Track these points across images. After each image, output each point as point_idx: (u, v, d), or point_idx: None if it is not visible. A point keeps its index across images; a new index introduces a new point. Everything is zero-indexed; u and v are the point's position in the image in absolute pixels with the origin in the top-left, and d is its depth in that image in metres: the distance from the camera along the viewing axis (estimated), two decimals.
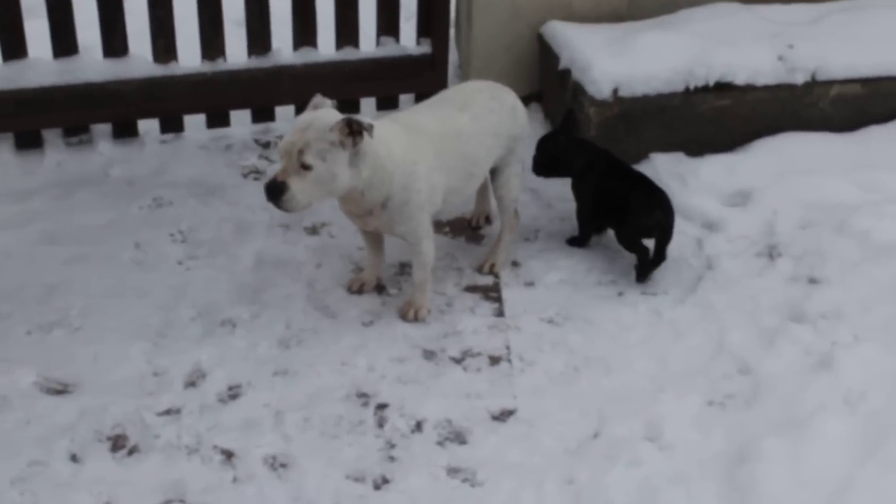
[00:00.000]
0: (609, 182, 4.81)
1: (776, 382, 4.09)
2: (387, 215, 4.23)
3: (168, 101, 5.61)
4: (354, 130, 3.93)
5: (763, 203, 5.05)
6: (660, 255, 4.72)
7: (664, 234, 4.71)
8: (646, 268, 4.70)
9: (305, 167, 3.91)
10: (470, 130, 4.46)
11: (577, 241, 4.96)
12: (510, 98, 4.72)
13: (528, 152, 4.90)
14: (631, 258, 4.79)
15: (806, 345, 4.27)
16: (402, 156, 4.17)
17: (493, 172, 4.72)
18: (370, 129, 3.95)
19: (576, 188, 4.93)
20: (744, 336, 4.36)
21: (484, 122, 4.52)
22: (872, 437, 3.78)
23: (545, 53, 5.81)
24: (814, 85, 5.52)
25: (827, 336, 4.31)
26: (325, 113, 4.04)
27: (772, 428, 3.85)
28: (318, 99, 4.16)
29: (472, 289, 4.71)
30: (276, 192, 3.94)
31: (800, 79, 5.49)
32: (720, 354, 4.28)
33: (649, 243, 4.73)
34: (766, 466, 3.67)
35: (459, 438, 3.90)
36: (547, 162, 4.91)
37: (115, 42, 5.48)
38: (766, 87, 5.46)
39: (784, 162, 5.28)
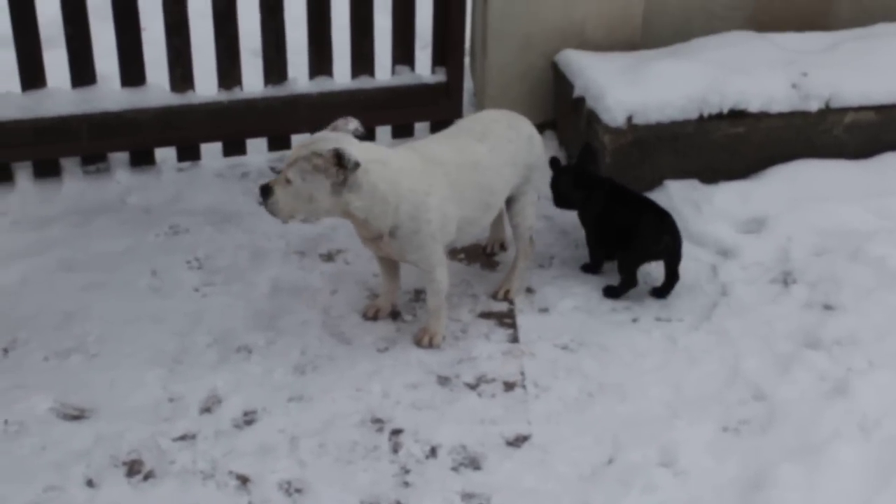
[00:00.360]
0: (614, 210, 4.85)
1: (791, 409, 4.08)
2: (396, 243, 4.26)
3: (185, 130, 5.66)
4: (343, 164, 3.99)
5: (777, 230, 5.06)
6: (673, 276, 4.78)
7: (673, 257, 4.77)
8: (622, 290, 4.81)
9: (287, 180, 4.04)
10: (487, 161, 4.47)
11: (591, 268, 4.99)
12: (527, 127, 4.74)
13: (543, 180, 4.92)
14: (644, 286, 4.81)
15: (821, 371, 4.27)
16: (410, 186, 4.19)
17: (509, 201, 4.73)
18: (354, 168, 4.00)
19: (581, 218, 5.00)
20: (758, 362, 4.36)
21: (502, 152, 4.54)
22: (888, 464, 3.78)
23: (559, 81, 5.84)
24: (828, 112, 5.53)
25: (842, 362, 4.31)
26: (332, 137, 4.11)
27: (787, 454, 3.85)
28: (342, 121, 4.25)
29: (486, 315, 4.72)
30: (264, 193, 4.13)
31: (814, 106, 5.50)
32: (735, 381, 4.28)
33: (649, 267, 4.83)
34: (782, 493, 3.67)
35: (474, 464, 3.90)
36: (553, 196, 5.01)
37: (132, 71, 5.54)
38: (781, 115, 5.47)
39: (798, 189, 5.29)
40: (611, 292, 4.83)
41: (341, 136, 4.14)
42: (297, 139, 5.87)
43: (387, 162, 4.16)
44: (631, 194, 4.94)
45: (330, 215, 4.18)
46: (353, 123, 4.24)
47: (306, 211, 4.11)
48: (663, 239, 4.73)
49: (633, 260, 4.79)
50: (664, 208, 4.87)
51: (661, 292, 4.80)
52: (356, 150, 4.06)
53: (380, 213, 4.16)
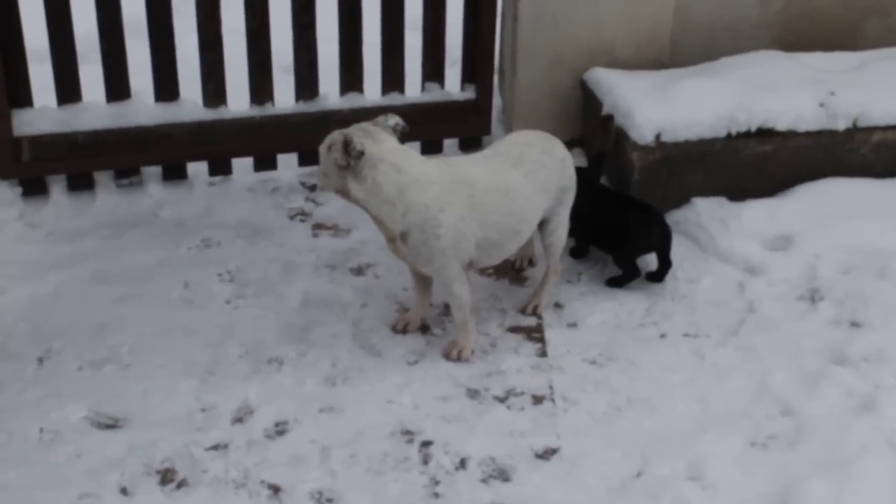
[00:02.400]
0: (602, 211, 5.04)
1: (819, 424, 4.10)
2: (407, 250, 4.33)
3: (217, 145, 5.73)
4: (349, 150, 4.18)
5: (805, 247, 5.08)
6: (666, 263, 4.98)
7: (664, 246, 4.97)
8: (625, 280, 5.01)
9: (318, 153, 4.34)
10: (520, 188, 4.49)
11: (578, 253, 5.18)
12: (560, 150, 4.75)
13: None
14: (673, 303, 4.86)
15: (848, 387, 4.29)
16: (423, 200, 4.25)
17: (542, 222, 4.74)
18: (358, 156, 4.19)
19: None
20: (786, 378, 4.38)
21: (535, 178, 4.55)
22: None
23: (588, 99, 5.88)
24: (855, 131, 5.55)
25: (870, 379, 4.32)
26: (365, 127, 4.36)
27: (815, 469, 3.86)
28: (382, 117, 4.44)
29: (515, 329, 4.76)
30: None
31: (841, 125, 5.52)
32: (762, 396, 4.30)
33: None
34: None
35: (503, 476, 3.93)
36: None
37: (166, 86, 5.61)
38: (808, 134, 5.50)
39: (825, 207, 5.30)
40: (615, 282, 5.00)
41: (377, 129, 4.31)
42: None
43: (402, 170, 4.22)
44: (615, 194, 5.17)
45: (343, 195, 4.33)
46: (394, 119, 4.41)
47: (331, 186, 4.34)
48: (654, 231, 4.95)
49: (628, 255, 4.97)
50: (648, 202, 5.06)
51: (656, 277, 4.98)
52: (377, 144, 4.25)
53: (386, 214, 4.25)
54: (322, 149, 4.31)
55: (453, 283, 4.42)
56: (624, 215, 5.00)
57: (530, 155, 4.61)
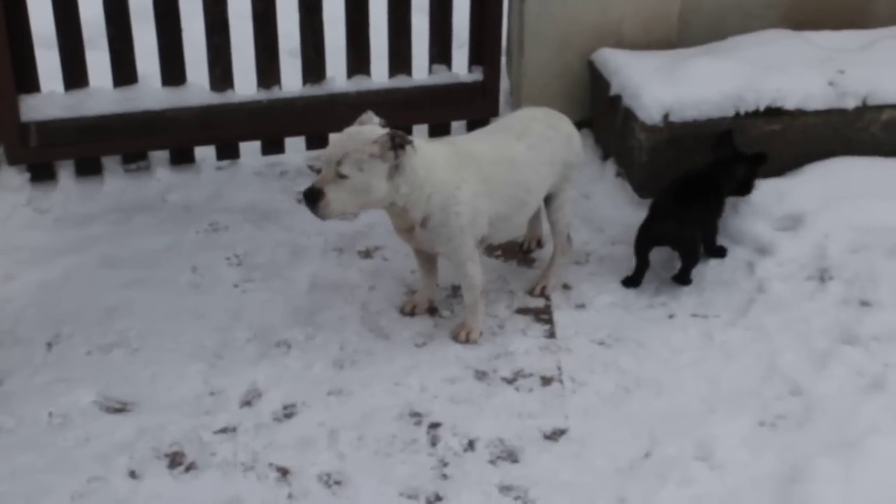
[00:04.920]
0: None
1: (828, 403, 4.09)
2: (426, 234, 4.31)
3: (224, 129, 5.72)
4: (396, 144, 4.03)
5: (814, 227, 5.05)
6: (683, 262, 4.88)
7: (671, 244, 4.88)
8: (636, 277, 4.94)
9: (342, 176, 4.02)
10: (525, 159, 4.50)
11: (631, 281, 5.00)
12: (566, 126, 4.77)
13: (582, 178, 4.96)
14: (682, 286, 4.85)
15: (858, 366, 4.27)
16: (443, 178, 4.23)
17: (548, 198, 4.76)
18: (410, 145, 4.06)
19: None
20: (795, 358, 4.36)
21: (540, 151, 4.57)
22: None
23: (596, 80, 5.86)
24: (865, 110, 5.53)
25: (879, 358, 4.31)
26: (369, 127, 4.15)
27: (824, 448, 3.85)
28: (366, 115, 4.27)
29: (523, 311, 4.75)
30: (312, 198, 4.06)
31: (851, 104, 5.49)
32: (771, 376, 4.29)
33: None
34: (819, 487, 3.67)
35: (511, 457, 3.93)
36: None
37: (173, 71, 5.61)
38: (817, 112, 5.47)
39: (835, 186, 5.28)
40: (627, 282, 4.94)
41: (374, 126, 4.19)
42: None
43: (419, 150, 4.19)
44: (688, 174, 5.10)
45: (379, 205, 4.20)
46: (376, 120, 4.27)
47: (360, 204, 4.14)
48: (649, 226, 4.88)
49: (635, 243, 4.91)
50: (673, 192, 4.95)
51: (677, 278, 4.88)
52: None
53: (416, 201, 4.20)
54: (351, 171, 4.02)
55: (468, 263, 4.42)
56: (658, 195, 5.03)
57: (535, 129, 4.62)
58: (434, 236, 4.32)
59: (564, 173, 4.70)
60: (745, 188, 5.13)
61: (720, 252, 5.01)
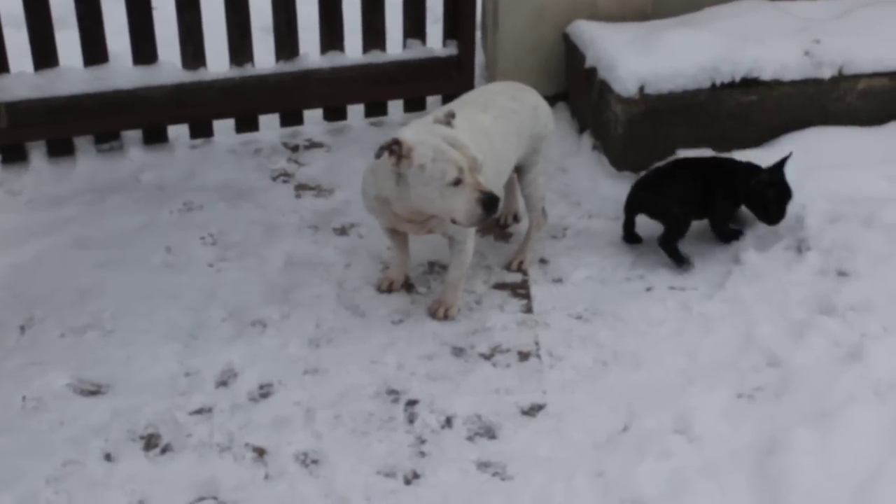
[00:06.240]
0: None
1: (805, 374, 4.08)
2: (444, 220, 4.26)
3: (197, 107, 5.67)
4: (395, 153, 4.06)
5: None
6: (660, 237, 4.86)
7: (650, 214, 4.89)
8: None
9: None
10: (493, 129, 4.48)
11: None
12: (532, 98, 4.75)
13: (554, 151, 4.93)
14: (659, 256, 4.83)
15: (835, 337, 4.26)
16: None
17: (520, 172, 4.74)
18: (408, 152, 4.06)
19: None
20: (773, 329, 4.35)
21: (506, 122, 4.55)
22: None
23: (571, 53, 5.83)
24: (841, 79, 5.51)
25: (856, 328, 4.30)
26: (448, 131, 4.18)
27: (801, 419, 3.84)
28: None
29: (500, 286, 4.73)
30: (494, 205, 4.07)
31: (827, 73, 5.48)
32: (749, 347, 4.28)
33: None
34: (796, 457, 3.66)
35: (489, 433, 3.92)
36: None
37: (144, 49, 5.54)
38: (793, 83, 5.45)
39: (811, 156, 5.25)
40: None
41: (439, 126, 4.19)
42: (309, 115, 5.89)
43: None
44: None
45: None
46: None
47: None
48: (632, 190, 4.95)
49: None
50: (672, 167, 5.00)
51: (658, 240, 4.85)
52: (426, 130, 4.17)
53: None
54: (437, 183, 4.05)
55: (468, 241, 4.42)
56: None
57: (499, 101, 4.62)
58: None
59: (533, 146, 4.68)
60: (764, 213, 4.90)
61: (730, 235, 4.96)
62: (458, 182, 4.01)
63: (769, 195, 4.82)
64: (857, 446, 3.70)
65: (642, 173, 5.12)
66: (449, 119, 4.21)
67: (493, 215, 4.09)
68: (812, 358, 4.16)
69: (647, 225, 4.92)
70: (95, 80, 5.48)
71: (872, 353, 4.12)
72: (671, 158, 5.26)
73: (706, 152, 5.36)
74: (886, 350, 4.14)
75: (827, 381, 4.01)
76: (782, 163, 4.83)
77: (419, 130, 4.15)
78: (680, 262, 4.78)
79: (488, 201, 4.03)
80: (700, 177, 4.91)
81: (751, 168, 4.90)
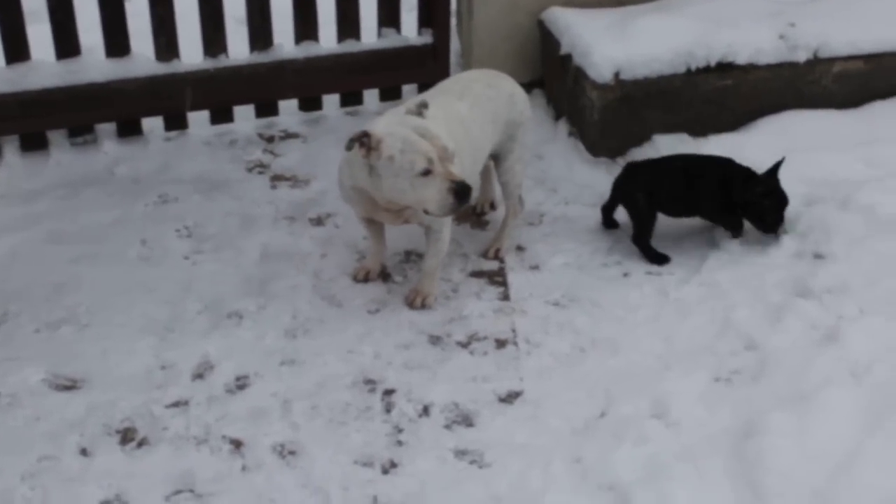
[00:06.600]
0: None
1: (782, 357, 4.08)
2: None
3: (171, 99, 5.63)
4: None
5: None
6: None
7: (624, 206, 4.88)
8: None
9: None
10: (469, 117, 4.47)
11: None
12: (508, 85, 4.73)
13: (531, 139, 4.92)
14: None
15: (812, 319, 4.26)
16: None
17: (497, 159, 4.73)
18: (377, 144, 4.05)
19: None
20: (750, 313, 4.35)
21: (482, 109, 4.54)
22: (878, 409, 3.76)
23: (546, 40, 5.82)
24: (816, 62, 5.51)
25: (833, 310, 4.30)
26: (421, 121, 4.16)
27: (778, 402, 3.84)
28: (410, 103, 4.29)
29: (477, 274, 4.72)
30: (467, 193, 4.06)
31: (802, 56, 5.48)
32: (726, 331, 4.27)
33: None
34: (774, 440, 3.66)
35: (467, 421, 3.91)
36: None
37: (117, 42, 5.51)
38: (768, 66, 5.45)
39: (788, 140, 5.26)
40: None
41: (410, 116, 4.18)
42: (284, 105, 5.87)
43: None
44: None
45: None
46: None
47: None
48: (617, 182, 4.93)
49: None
50: (638, 162, 4.96)
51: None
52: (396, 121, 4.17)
53: None
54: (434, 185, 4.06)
55: (444, 229, 4.41)
56: None
57: (474, 89, 4.60)
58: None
59: (509, 133, 4.67)
60: (761, 223, 4.82)
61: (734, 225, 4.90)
62: (427, 172, 4.00)
63: (765, 205, 4.77)
64: (834, 428, 3.69)
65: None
66: (421, 109, 4.19)
67: (465, 204, 4.07)
68: (789, 341, 4.16)
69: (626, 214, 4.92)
70: (68, 74, 5.45)
71: (849, 335, 4.12)
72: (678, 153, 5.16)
73: (682, 137, 5.35)
74: (863, 332, 4.14)
75: (804, 364, 4.01)
76: (776, 169, 4.76)
77: (389, 122, 4.13)
78: (654, 259, 4.76)
79: (460, 190, 4.02)
80: (688, 173, 4.82)
81: (747, 175, 4.81)
